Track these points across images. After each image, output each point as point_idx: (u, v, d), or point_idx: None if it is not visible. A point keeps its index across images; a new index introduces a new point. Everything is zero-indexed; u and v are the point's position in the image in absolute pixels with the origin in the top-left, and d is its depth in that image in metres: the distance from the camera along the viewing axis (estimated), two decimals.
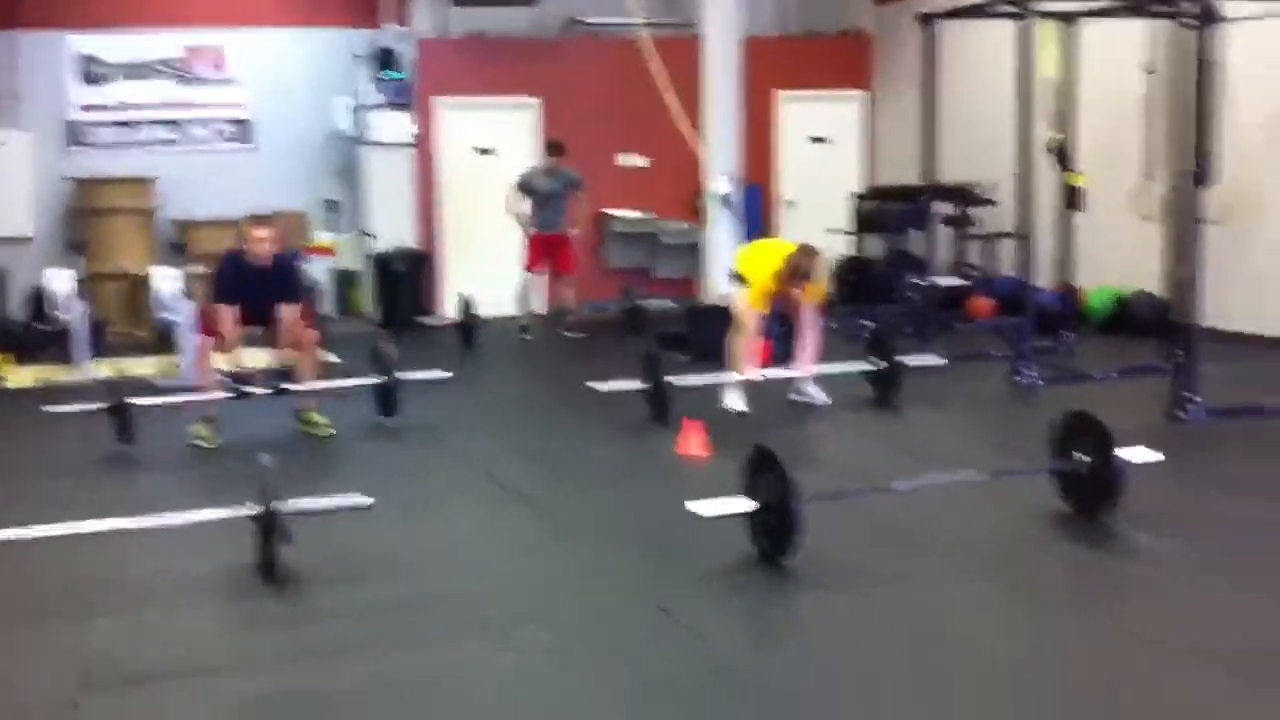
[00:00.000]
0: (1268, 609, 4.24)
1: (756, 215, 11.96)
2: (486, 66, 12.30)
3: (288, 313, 7.29)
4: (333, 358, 9.82)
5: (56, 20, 12.38)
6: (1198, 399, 6.79)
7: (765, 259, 7.49)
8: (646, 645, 4.12)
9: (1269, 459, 6.17)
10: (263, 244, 7.14)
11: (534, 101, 12.52)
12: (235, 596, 4.66)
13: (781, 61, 12.69)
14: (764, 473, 4.78)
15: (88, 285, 11.54)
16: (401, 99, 12.34)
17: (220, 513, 4.89)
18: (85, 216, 12.28)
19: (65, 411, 7.43)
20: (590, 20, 12.58)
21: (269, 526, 4.70)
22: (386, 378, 7.57)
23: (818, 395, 7.63)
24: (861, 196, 12.16)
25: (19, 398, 9.06)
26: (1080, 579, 4.68)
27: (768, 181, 12.98)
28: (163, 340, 9.99)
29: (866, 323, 10.38)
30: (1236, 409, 6.85)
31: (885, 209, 11.63)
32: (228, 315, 7.20)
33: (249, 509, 4.74)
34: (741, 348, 7.45)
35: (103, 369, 9.73)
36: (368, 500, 5.00)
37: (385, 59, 12.36)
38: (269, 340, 7.53)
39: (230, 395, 7.27)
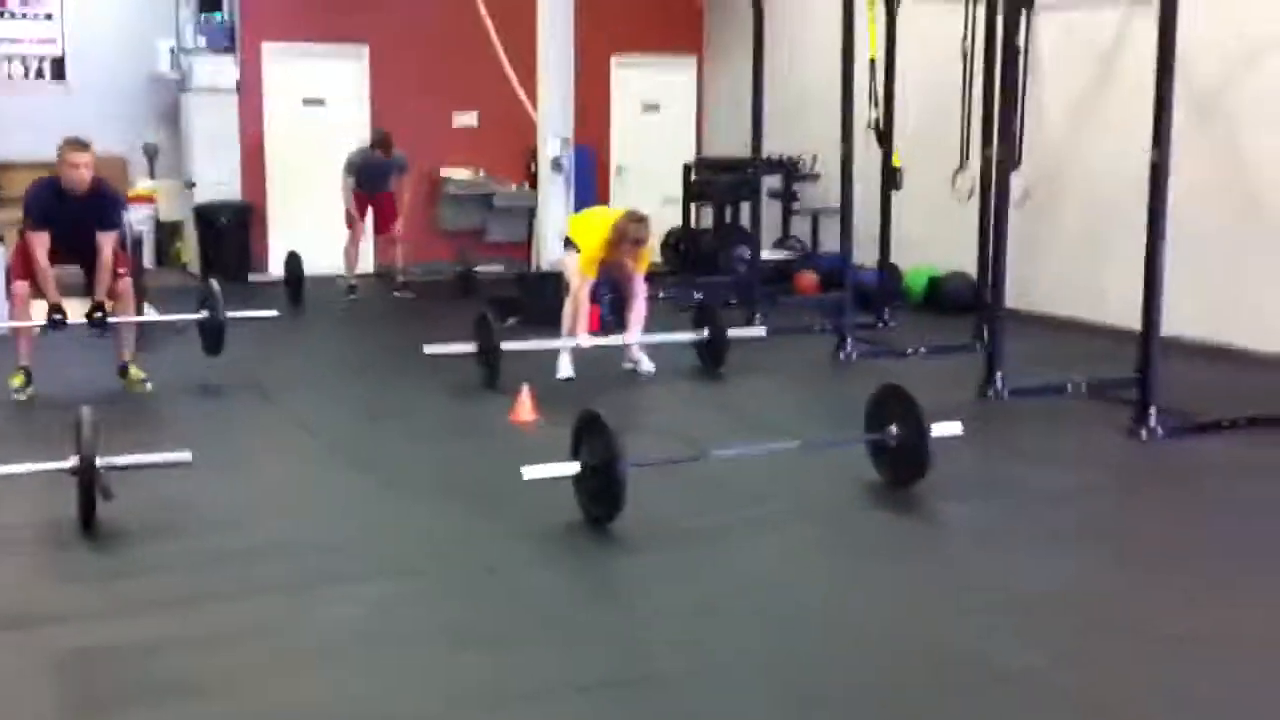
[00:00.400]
0: (1038, 563, 4.59)
1: (589, 180, 12.06)
2: (313, 10, 11.96)
3: (105, 240, 7.06)
4: (152, 312, 9.58)
5: None
6: (1001, 376, 7.15)
7: (596, 225, 7.59)
8: (469, 598, 4.21)
9: (1064, 432, 6.55)
10: (79, 169, 6.89)
11: (363, 50, 12.29)
12: (55, 549, 4.61)
13: (617, 23, 12.66)
14: (590, 437, 4.89)
15: None
16: (225, 43, 12.02)
17: (39, 466, 4.79)
18: None
19: None
20: None
21: (88, 480, 4.63)
22: (213, 314, 7.46)
23: (645, 363, 7.78)
24: (692, 166, 12.33)
25: None
26: (884, 538, 4.93)
27: (602, 147, 13.05)
28: None
29: (696, 293, 10.64)
30: (1035, 388, 7.23)
31: (714, 180, 11.84)
32: (40, 242, 6.94)
33: (68, 463, 4.66)
34: (572, 314, 7.55)
35: None
36: (187, 455, 4.95)
37: (208, 0, 12.00)
38: (88, 286, 7.31)
39: (47, 325, 6.99)
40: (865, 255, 9.45)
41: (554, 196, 9.59)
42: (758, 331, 8.64)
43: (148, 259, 12.27)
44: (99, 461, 4.66)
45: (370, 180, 10.82)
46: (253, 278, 11.71)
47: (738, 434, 6.30)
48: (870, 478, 5.45)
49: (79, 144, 6.97)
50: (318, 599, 4.15)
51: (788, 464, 5.64)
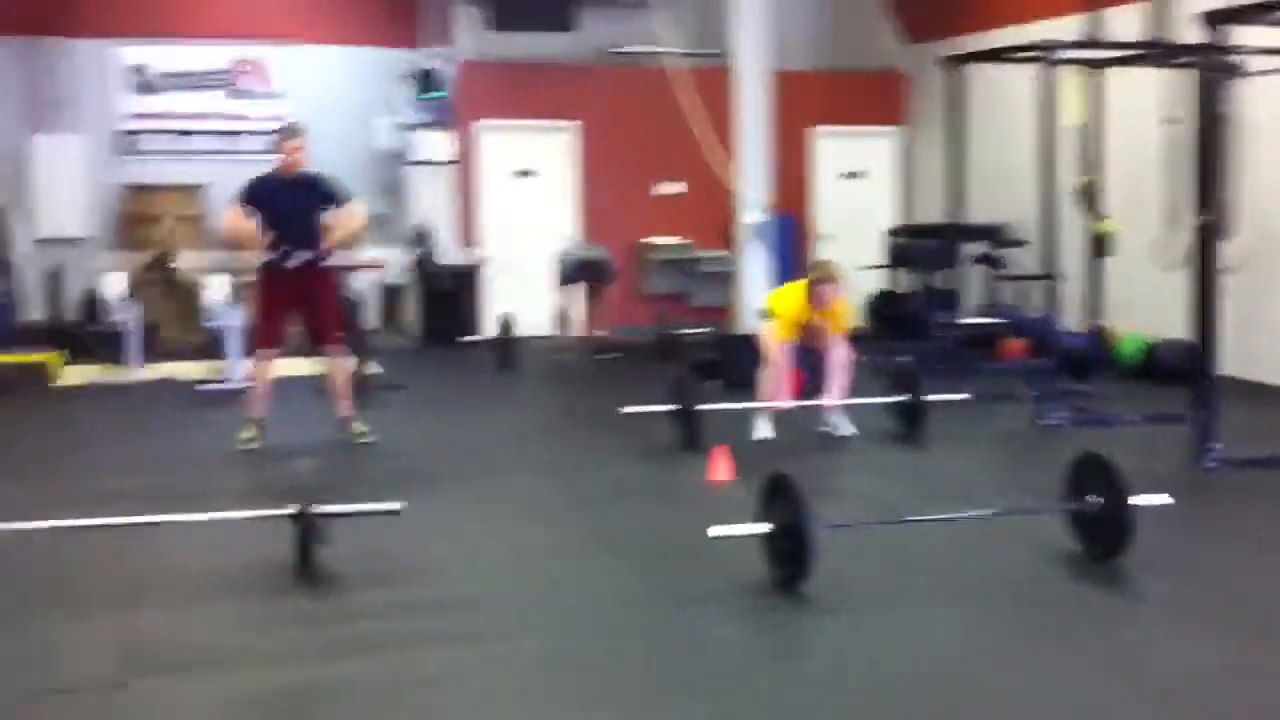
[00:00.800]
0: (1237, 651, 4.34)
1: (790, 247, 12.16)
2: (525, 90, 12.54)
3: (342, 214, 7.43)
4: (375, 368, 10.10)
5: (108, 30, 12.77)
6: (1216, 447, 6.90)
7: (792, 293, 7.70)
8: (651, 656, 4.30)
9: None
10: (293, 153, 7.32)
11: (572, 125, 12.76)
12: (270, 592, 4.88)
13: (817, 97, 12.93)
14: (779, 498, 4.95)
15: (142, 289, 11.89)
16: (442, 119, 12.62)
17: (261, 512, 5.12)
18: (137, 222, 12.61)
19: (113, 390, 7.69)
20: (627, 48, 12.83)
21: (305, 527, 4.93)
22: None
23: (844, 427, 7.79)
24: (894, 233, 12.32)
25: (70, 396, 9.37)
26: (1078, 615, 4.80)
27: (803, 214, 13.16)
28: (211, 345, 10.28)
29: (897, 358, 10.59)
30: (1255, 460, 6.95)
31: (917, 246, 11.79)
32: (238, 212, 7.34)
33: (287, 510, 4.96)
34: (769, 378, 7.64)
35: (151, 371, 10.04)
36: (397, 505, 5.21)
37: (426, 80, 12.65)
38: (310, 343, 7.74)
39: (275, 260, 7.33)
40: (1075, 321, 9.27)
41: (752, 261, 9.72)
42: (959, 396, 8.54)
43: (373, 321, 12.96)
44: (315, 509, 4.96)
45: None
46: (466, 339, 12.16)
47: (933, 500, 6.25)
48: (1068, 549, 5.34)
49: (293, 130, 7.53)
50: (502, 649, 4.31)
51: (982, 532, 5.58)
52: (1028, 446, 7.90)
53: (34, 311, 12.04)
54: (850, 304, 7.88)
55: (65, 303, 12.00)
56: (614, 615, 4.71)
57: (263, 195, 7.37)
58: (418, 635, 4.43)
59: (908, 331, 11.25)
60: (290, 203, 7.34)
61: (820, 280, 7.53)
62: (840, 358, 7.74)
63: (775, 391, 7.61)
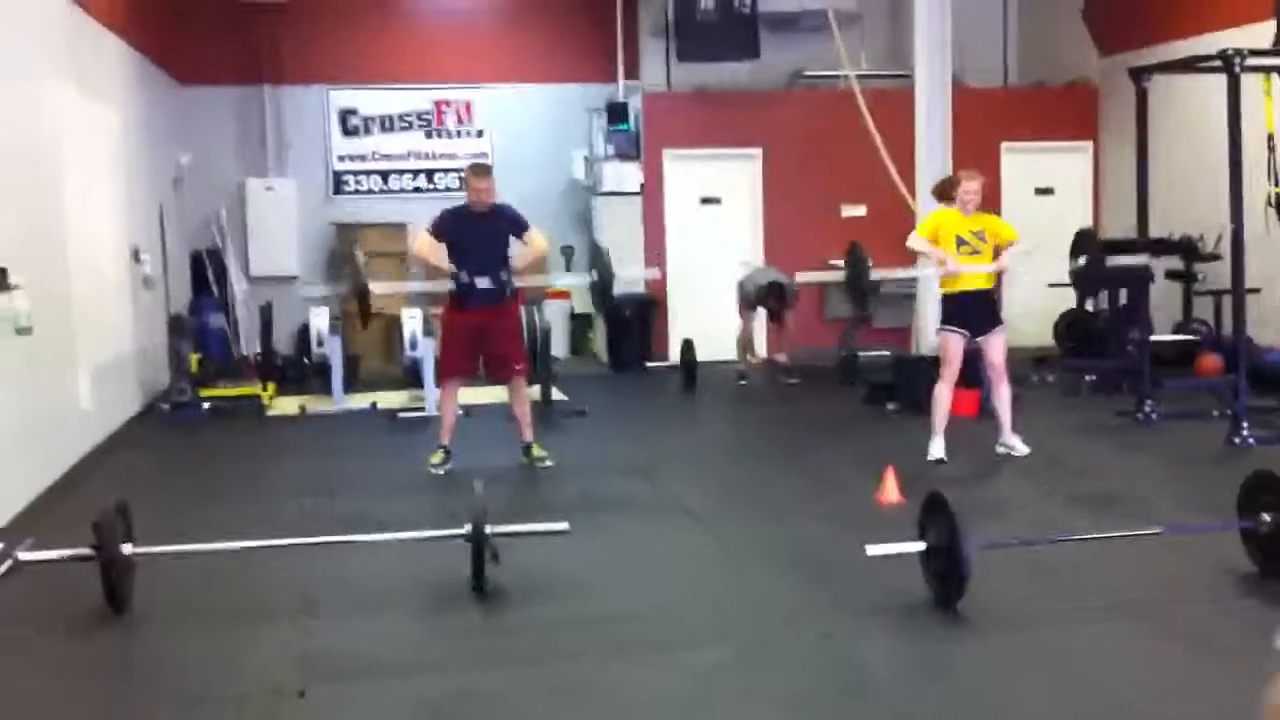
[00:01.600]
0: None
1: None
2: (710, 118, 12.79)
3: (525, 240, 7.81)
4: (560, 395, 10.44)
5: (320, 76, 13.53)
6: None
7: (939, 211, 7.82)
8: (804, 671, 4.41)
9: None
10: (480, 193, 7.67)
11: (756, 152, 12.92)
12: (445, 607, 5.17)
13: (1007, 112, 12.81)
14: (935, 516, 5.00)
15: (345, 323, 12.55)
16: (630, 150, 12.94)
17: (437, 532, 5.43)
18: (345, 260, 13.31)
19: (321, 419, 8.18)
20: (811, 72, 12.94)
21: (478, 546, 5.20)
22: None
23: (1020, 447, 7.72)
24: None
25: (281, 424, 9.99)
26: (1247, 634, 4.69)
27: None
28: (410, 376, 10.80)
29: (1087, 377, 10.39)
30: None
31: (1107, 262, 11.49)
32: (428, 237, 7.74)
33: (461, 530, 5.25)
34: (942, 397, 7.63)
35: (355, 400, 10.60)
36: (565, 525, 5.44)
37: (616, 112, 12.98)
38: (490, 376, 8.08)
39: (462, 284, 7.64)
40: (1271, 337, 8.95)
41: (926, 283, 9.67)
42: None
43: (563, 349, 13.36)
44: (488, 529, 5.23)
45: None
46: (651, 365, 12.42)
47: (1107, 520, 6.15)
48: (1242, 568, 5.22)
49: (483, 168, 7.92)
50: (658, 661, 4.48)
51: (1151, 551, 5.49)
52: (1214, 465, 7.67)
53: (249, 346, 12.82)
54: (999, 219, 7.80)
55: (277, 337, 12.73)
56: (773, 629, 4.83)
57: (453, 227, 7.75)
58: (578, 648, 4.64)
59: (1097, 350, 11.00)
60: (479, 235, 7.70)
61: (957, 182, 7.52)
62: (1003, 376, 7.68)
63: (947, 407, 7.59)
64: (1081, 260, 8.53)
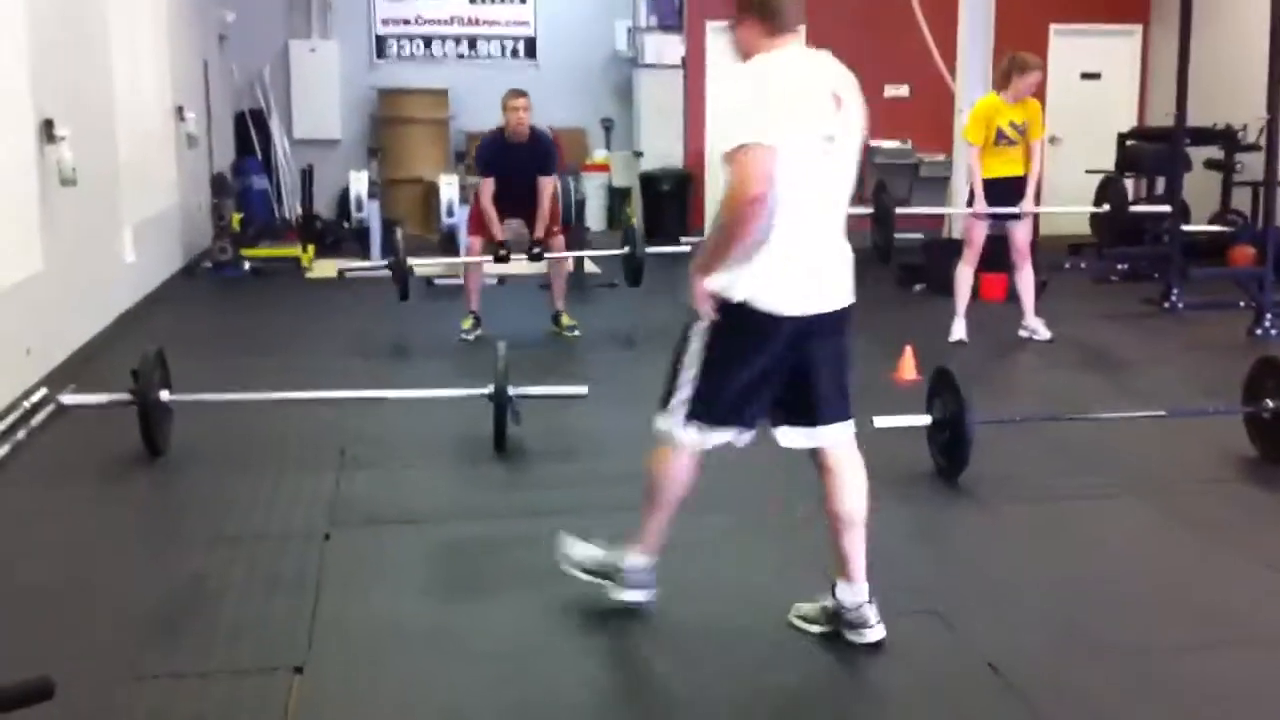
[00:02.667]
0: None
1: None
2: None
3: (544, 185, 7.91)
4: (594, 267, 10.57)
5: None
6: None
7: (989, 97, 7.74)
8: (801, 535, 4.59)
9: None
10: (518, 112, 7.74)
11: (799, 27, 12.74)
12: (469, 462, 5.40)
13: None
14: (942, 391, 5.14)
15: (385, 189, 12.70)
16: (672, 21, 12.84)
17: (460, 391, 5.64)
18: (386, 125, 13.41)
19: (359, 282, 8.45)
20: None
21: (499, 405, 5.40)
22: (633, 250, 8.22)
23: (1042, 331, 7.81)
24: (1125, 137, 11.96)
25: (319, 285, 10.20)
26: (1247, 515, 4.84)
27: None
28: (447, 241, 10.94)
29: (1120, 265, 10.41)
30: None
31: (1145, 150, 11.43)
32: (486, 187, 7.89)
33: (485, 390, 5.44)
34: (964, 279, 7.72)
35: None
36: (584, 389, 5.63)
37: None
38: (530, 237, 8.20)
39: (493, 259, 7.90)
40: None
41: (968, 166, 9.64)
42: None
43: (599, 222, 13.46)
44: (510, 390, 5.42)
45: None
46: (685, 240, 12.47)
47: (1116, 402, 6.28)
48: (1245, 452, 5.35)
49: (518, 91, 7.90)
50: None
51: (1155, 432, 5.63)
52: (1231, 355, 7.72)
53: (290, 208, 12.99)
54: (1038, 103, 7.76)
55: (318, 200, 12.90)
56: (778, 490, 5.01)
57: (492, 158, 7.90)
58: (589, 502, 4.85)
59: (1134, 238, 10.98)
60: (516, 167, 7.83)
61: (1026, 69, 7.46)
62: (1026, 258, 7.74)
63: (965, 291, 7.69)
64: (1105, 207, 8.47)
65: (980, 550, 4.48)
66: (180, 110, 10.40)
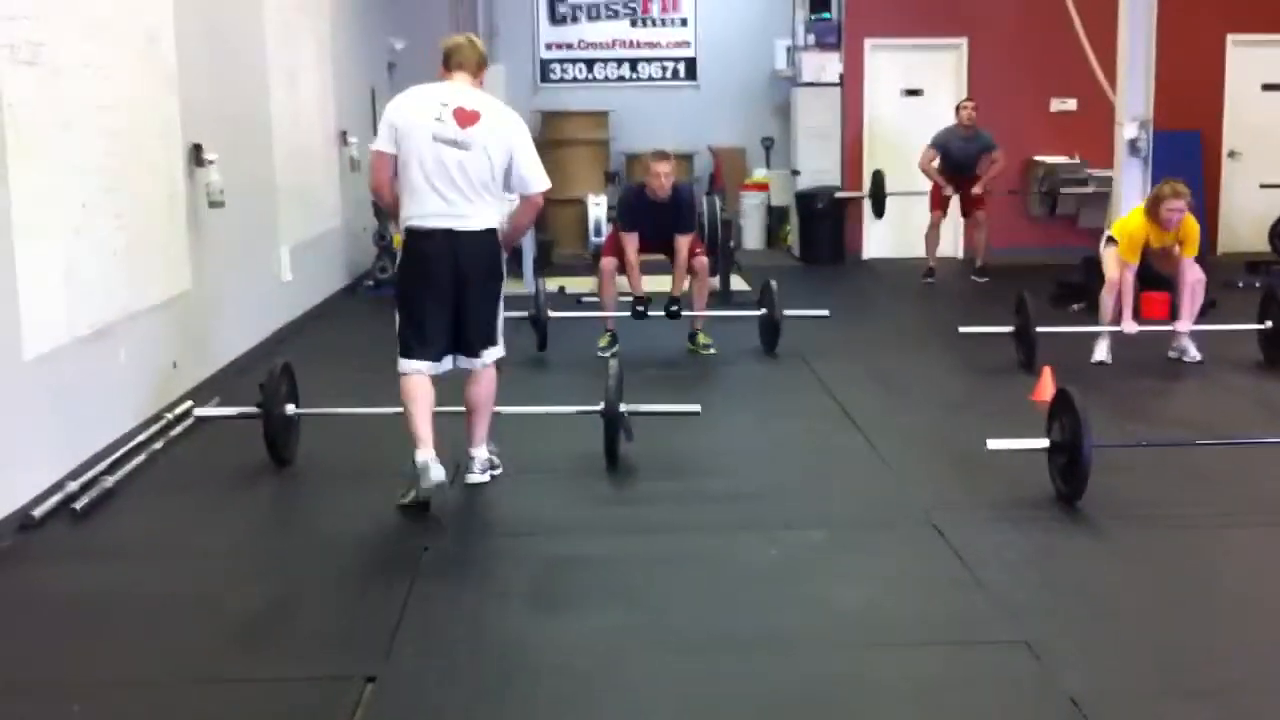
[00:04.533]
0: None
1: (1194, 167, 11.48)
2: (914, 6, 12.41)
3: (682, 242, 7.98)
4: (743, 285, 10.54)
5: None
6: None
7: (1136, 216, 7.43)
8: (905, 556, 4.49)
9: None
10: (660, 178, 7.83)
11: (960, 42, 12.52)
12: (578, 476, 5.43)
13: (1233, 3, 12.03)
14: (1063, 413, 4.95)
15: (544, 209, 12.85)
16: (831, 39, 12.72)
17: (573, 408, 5.68)
18: (548, 147, 13.60)
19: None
20: None
21: (612, 422, 5.42)
22: (769, 312, 8.10)
23: (1192, 351, 7.47)
24: None
25: None
26: None
27: (1214, 131, 12.34)
28: (595, 260, 11.02)
29: None
30: None
31: None
32: (630, 241, 7.99)
33: (596, 406, 5.47)
34: (1108, 302, 7.43)
35: (546, 284, 10.90)
36: (696, 407, 5.62)
37: (818, 0, 12.75)
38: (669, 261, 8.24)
39: (628, 315, 8.05)
40: None
41: (1129, 181, 9.30)
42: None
43: (757, 242, 13.43)
44: (622, 407, 5.43)
45: (955, 161, 11.03)
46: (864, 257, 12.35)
47: (1264, 428, 5.94)
48: None
49: (662, 155, 7.95)
50: (762, 539, 4.63)
51: None
52: None
53: None
54: (1197, 225, 7.43)
55: None
56: (888, 516, 4.91)
57: (633, 214, 8.03)
58: (693, 521, 4.84)
59: None
60: (656, 223, 7.94)
61: (1163, 199, 7.18)
62: (1191, 280, 7.39)
63: (1115, 314, 7.38)
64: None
65: (1088, 579, 4.29)
66: (344, 135, 10.75)
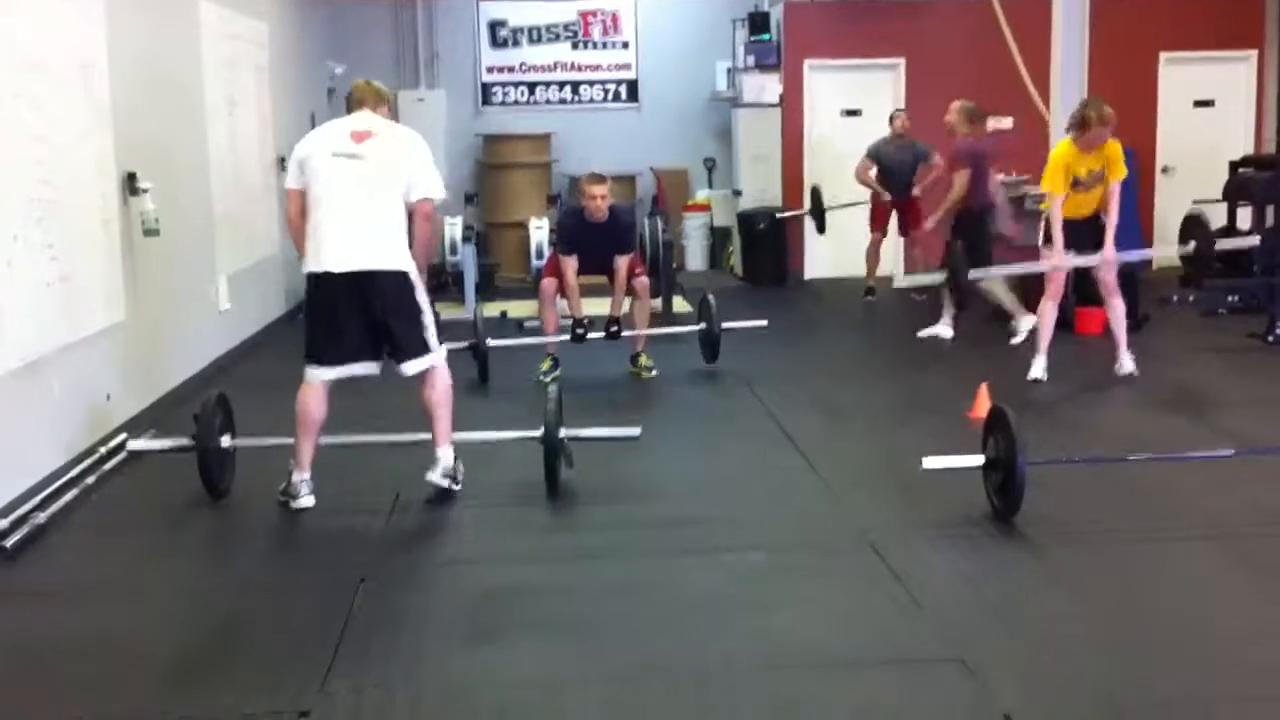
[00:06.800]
0: None
1: (1128, 182, 11.53)
2: (851, 29, 12.52)
3: (620, 263, 7.99)
4: (685, 306, 10.56)
5: None
6: None
7: (1063, 144, 7.51)
8: (843, 578, 4.51)
9: None
10: (596, 200, 7.84)
11: (898, 62, 12.65)
12: (516, 505, 5.41)
13: (1167, 21, 12.26)
14: (997, 431, 5.00)
15: (487, 233, 12.88)
16: (771, 61, 12.81)
17: (510, 434, 5.67)
18: (490, 170, 13.61)
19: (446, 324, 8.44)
20: None
21: (551, 449, 5.40)
22: (708, 325, 8.16)
23: (1126, 364, 7.57)
24: (1237, 164, 11.55)
25: None
26: None
27: (1146, 147, 12.52)
28: (538, 283, 11.00)
29: (1230, 297, 10.02)
30: None
31: (1254, 178, 11.02)
32: (570, 265, 7.99)
33: (535, 433, 5.45)
34: (1049, 308, 7.53)
35: (486, 309, 10.86)
36: (636, 431, 5.62)
37: (757, 22, 12.85)
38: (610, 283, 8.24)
39: (569, 338, 8.04)
40: None
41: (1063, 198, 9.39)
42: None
43: (700, 263, 13.48)
44: (562, 433, 5.42)
45: (891, 172, 11.10)
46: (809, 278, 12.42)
47: (1196, 441, 6.01)
48: None
49: (597, 177, 7.94)
50: (701, 563, 4.65)
51: (1232, 475, 5.39)
52: None
53: None
54: (1119, 144, 7.48)
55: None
56: (821, 538, 4.93)
57: (572, 237, 8.00)
58: (629, 549, 4.82)
59: (1244, 270, 10.57)
60: (595, 245, 7.92)
61: (1089, 125, 7.23)
62: (1115, 292, 7.50)
63: (1047, 328, 7.49)
64: (1191, 245, 8.13)
65: (1024, 597, 4.32)
66: (282, 161, 10.67)
